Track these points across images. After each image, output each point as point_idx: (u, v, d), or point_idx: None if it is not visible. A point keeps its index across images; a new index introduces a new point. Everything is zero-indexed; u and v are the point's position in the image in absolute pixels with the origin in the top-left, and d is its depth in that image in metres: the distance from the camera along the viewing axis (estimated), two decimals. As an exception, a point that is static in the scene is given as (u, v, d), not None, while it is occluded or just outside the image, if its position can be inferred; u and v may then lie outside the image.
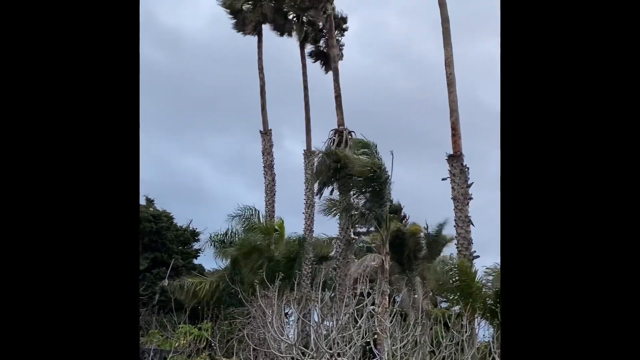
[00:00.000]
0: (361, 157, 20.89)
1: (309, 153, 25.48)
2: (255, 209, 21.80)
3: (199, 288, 20.33)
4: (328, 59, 29.08)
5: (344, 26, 30.17)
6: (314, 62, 30.22)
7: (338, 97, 24.77)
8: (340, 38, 29.92)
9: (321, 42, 30.13)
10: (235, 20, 29.64)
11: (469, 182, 21.18)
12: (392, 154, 19.87)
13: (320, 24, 28.63)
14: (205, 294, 20.17)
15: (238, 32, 29.34)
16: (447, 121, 21.09)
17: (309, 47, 30.32)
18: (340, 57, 29.73)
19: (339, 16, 29.67)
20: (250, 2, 29.40)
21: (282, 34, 29.81)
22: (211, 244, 21.12)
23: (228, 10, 29.37)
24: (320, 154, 22.48)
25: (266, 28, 29.88)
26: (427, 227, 26.15)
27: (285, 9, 29.16)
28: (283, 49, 36.11)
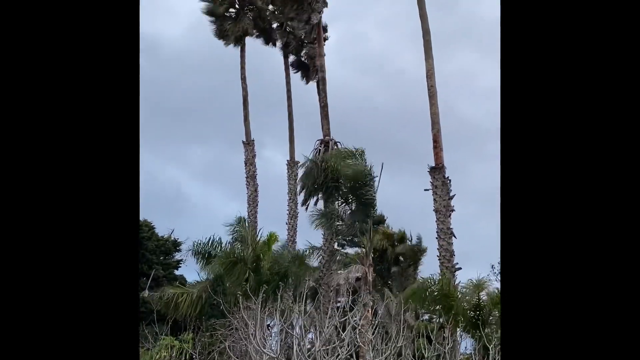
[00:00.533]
0: (349, 164, 20.81)
1: (292, 163, 25.39)
2: (243, 219, 21.64)
3: (180, 300, 20.13)
4: (308, 69, 29.14)
5: (325, 35, 30.10)
6: (295, 72, 30.26)
7: (324, 107, 24.72)
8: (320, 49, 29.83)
9: (302, 52, 30.10)
10: (218, 30, 29.57)
11: (451, 194, 21.32)
12: (382, 166, 19.90)
13: (303, 34, 28.65)
14: (186, 305, 19.98)
15: (219, 39, 29.22)
16: (427, 133, 21.27)
17: (291, 58, 30.36)
18: (321, 67, 29.59)
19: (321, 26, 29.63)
20: (233, 10, 29.37)
21: (267, 43, 29.81)
22: (193, 255, 20.95)
23: (212, 19, 29.29)
24: (308, 162, 22.44)
25: (249, 37, 29.87)
26: (411, 238, 26.23)
27: (269, 18, 29.18)
28: (264, 58, 36.12)
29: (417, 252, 25.42)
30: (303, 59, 30.61)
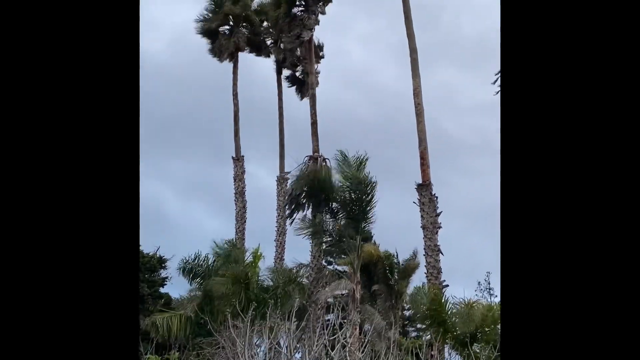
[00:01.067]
0: (347, 174, 20.49)
1: (282, 179, 25.26)
2: (232, 242, 21.46)
3: (169, 323, 19.88)
4: (303, 85, 29.13)
5: (321, 54, 30.28)
6: (290, 87, 30.25)
7: (314, 124, 24.78)
8: (316, 65, 29.90)
9: (298, 68, 30.11)
10: (212, 47, 29.49)
11: (438, 210, 21.36)
12: (376, 183, 19.82)
13: (298, 50, 28.73)
14: (176, 328, 19.74)
15: (214, 56, 29.20)
16: (412, 149, 21.36)
17: (287, 72, 30.23)
18: (317, 84, 29.61)
19: (316, 44, 29.70)
20: (227, 27, 29.35)
21: (259, 54, 29.68)
22: (181, 272, 20.73)
23: (204, 36, 29.22)
24: (296, 176, 22.33)
25: (242, 52, 29.82)
26: (397, 255, 26.12)
27: (264, 34, 29.13)
28: (253, 73, 36.01)
29: (406, 269, 25.31)
30: (298, 75, 30.58)
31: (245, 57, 30.53)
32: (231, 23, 29.26)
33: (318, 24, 26.54)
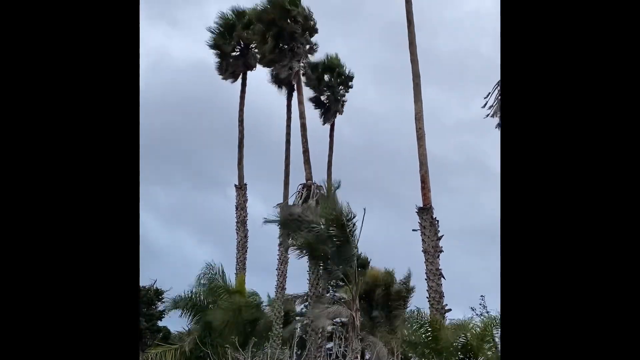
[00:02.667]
0: (324, 207, 20.57)
1: (282, 209, 25.02)
2: (221, 270, 21.22)
3: (166, 357, 19.53)
4: (329, 111, 28.94)
5: (350, 84, 29.96)
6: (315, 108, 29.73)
7: (306, 152, 24.74)
8: (344, 93, 29.72)
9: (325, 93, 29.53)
10: (219, 65, 29.30)
11: (439, 234, 21.17)
12: (365, 211, 19.62)
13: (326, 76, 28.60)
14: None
15: (223, 78, 28.99)
16: (410, 173, 21.28)
17: (309, 92, 29.58)
18: (341, 112, 29.73)
19: (347, 74, 29.60)
20: (237, 50, 29.21)
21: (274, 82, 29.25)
22: (172, 309, 20.54)
23: (217, 52, 29.06)
24: (282, 209, 22.23)
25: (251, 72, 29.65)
26: (394, 280, 25.87)
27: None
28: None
29: (404, 293, 25.06)
30: (323, 99, 29.72)
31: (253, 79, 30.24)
32: (242, 45, 29.16)
33: (312, 54, 26.72)
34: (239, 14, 28.99)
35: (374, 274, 24.65)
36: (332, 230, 19.53)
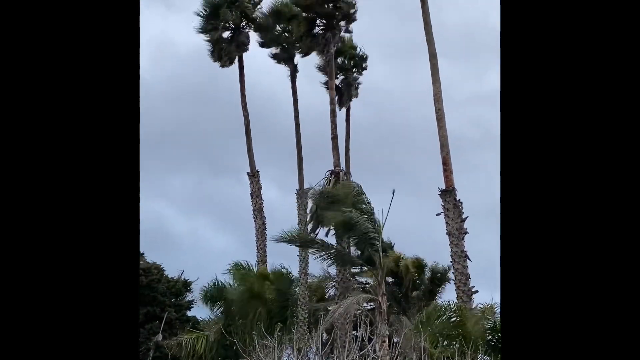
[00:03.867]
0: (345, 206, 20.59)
1: (301, 193, 24.99)
2: (248, 263, 21.37)
3: (197, 344, 19.79)
4: (342, 95, 28.51)
5: (364, 65, 29.56)
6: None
7: (334, 139, 24.73)
8: (358, 76, 29.33)
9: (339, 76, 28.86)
10: (213, 51, 28.27)
11: (463, 216, 21.00)
12: (393, 193, 19.55)
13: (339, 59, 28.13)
14: (203, 349, 19.62)
15: (221, 66, 28.07)
16: (428, 155, 21.13)
17: (321, 77, 29.18)
18: (356, 95, 29.26)
19: (360, 55, 29.12)
20: (229, 32, 28.54)
21: (279, 62, 28.78)
22: (203, 301, 20.76)
23: (207, 38, 28.16)
24: (318, 190, 22.26)
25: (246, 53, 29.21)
26: (423, 263, 25.76)
27: (284, 45, 28.30)
28: (261, 87, 35.37)
29: (434, 277, 24.92)
30: (338, 83, 29.17)
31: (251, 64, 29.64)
32: (232, 26, 28.13)
33: (342, 41, 26.38)
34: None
35: (404, 262, 24.55)
36: (361, 214, 19.61)
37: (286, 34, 27.76)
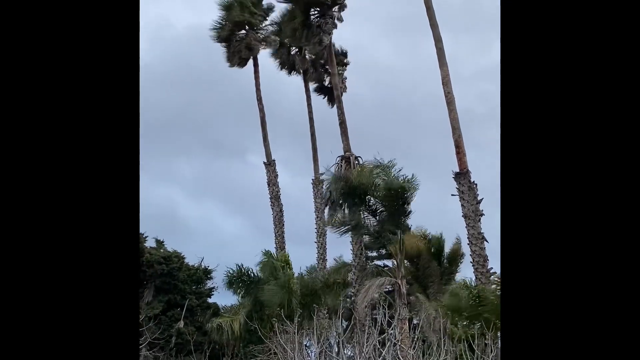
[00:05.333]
0: (381, 176, 20.68)
1: (317, 181, 25.42)
2: (268, 251, 21.58)
3: (232, 327, 20.09)
4: (332, 94, 29.18)
5: (345, 60, 30.70)
6: (318, 95, 30.40)
7: (342, 124, 24.97)
8: (342, 72, 30.28)
9: (325, 77, 30.33)
10: (226, 51, 29.46)
11: (479, 198, 21.03)
12: (413, 176, 19.69)
13: (322, 60, 28.93)
14: (229, 334, 19.93)
15: (231, 66, 29.23)
16: (440, 137, 21.09)
17: (312, 84, 30.28)
18: (344, 89, 30.13)
19: (340, 51, 30.08)
20: (243, 32, 29.24)
21: (282, 68, 29.81)
22: (227, 286, 20.99)
23: (219, 41, 29.12)
24: (331, 175, 22.40)
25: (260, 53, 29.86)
26: (443, 243, 25.80)
27: (288, 44, 29.17)
28: (274, 77, 35.46)
29: (454, 259, 24.96)
30: (326, 84, 30.70)
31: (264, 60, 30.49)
32: (246, 28, 29.21)
33: (336, 27, 26.89)
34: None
35: (419, 241, 24.57)
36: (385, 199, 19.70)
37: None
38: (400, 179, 19.80)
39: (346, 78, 30.75)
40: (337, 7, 26.27)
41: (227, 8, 28.80)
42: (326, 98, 30.00)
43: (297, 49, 28.66)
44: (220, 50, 29.20)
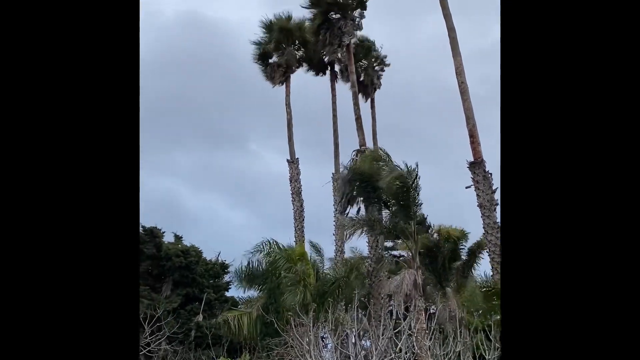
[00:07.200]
0: (382, 166, 20.74)
1: (337, 176, 26.11)
2: (274, 241, 21.73)
3: (241, 322, 20.24)
4: (366, 88, 30.84)
5: (375, 53, 32.24)
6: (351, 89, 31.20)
7: (358, 119, 25.56)
8: (378, 69, 32.22)
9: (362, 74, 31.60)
10: (264, 70, 31.03)
11: (494, 187, 20.91)
12: (417, 165, 19.63)
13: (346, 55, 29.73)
14: (246, 327, 20.08)
15: (268, 81, 30.77)
16: (455, 128, 20.98)
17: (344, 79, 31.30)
18: (379, 85, 32.19)
19: (373, 47, 32.03)
20: (279, 50, 30.40)
21: (316, 73, 31.29)
22: (239, 281, 21.17)
23: (259, 60, 30.72)
24: (344, 171, 22.55)
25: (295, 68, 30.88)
26: (458, 234, 25.72)
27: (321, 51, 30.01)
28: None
29: (471, 249, 24.88)
30: (361, 79, 31.87)
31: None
32: (283, 45, 30.51)
33: (360, 29, 28.36)
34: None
35: (442, 232, 24.51)
36: (390, 189, 19.70)
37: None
38: (403, 168, 19.75)
39: (381, 75, 32.58)
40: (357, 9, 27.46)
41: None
42: (361, 92, 30.83)
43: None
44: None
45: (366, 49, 31.74)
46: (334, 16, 28.11)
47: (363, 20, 28.64)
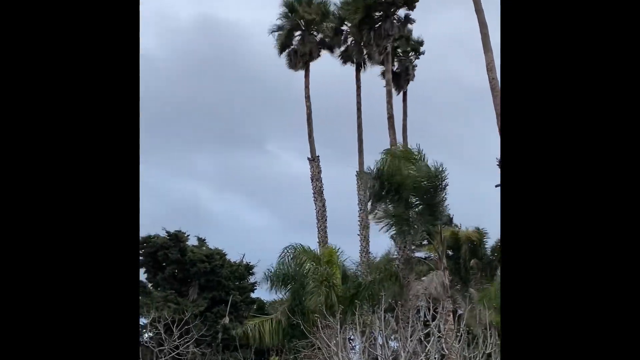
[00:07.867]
0: (409, 166, 20.58)
1: (361, 174, 25.63)
2: (301, 245, 21.69)
3: (262, 330, 20.22)
4: (400, 79, 30.40)
5: (421, 49, 31.94)
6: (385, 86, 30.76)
7: (390, 118, 25.39)
8: (413, 58, 31.65)
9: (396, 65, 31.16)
10: (286, 57, 30.60)
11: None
12: (442, 165, 19.45)
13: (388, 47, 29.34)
14: (269, 333, 20.04)
15: (290, 69, 30.37)
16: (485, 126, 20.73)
17: (377, 68, 30.85)
18: (412, 77, 31.49)
19: (416, 39, 31.57)
20: (299, 33, 29.93)
21: (344, 62, 30.56)
22: (268, 283, 21.18)
23: (280, 48, 30.19)
24: (373, 171, 22.48)
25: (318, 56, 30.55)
26: (484, 235, 25.42)
27: (345, 34, 29.56)
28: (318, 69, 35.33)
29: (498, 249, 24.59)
30: (395, 69, 31.43)
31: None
32: (303, 28, 29.96)
33: (401, 31, 28.20)
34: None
35: (465, 234, 24.30)
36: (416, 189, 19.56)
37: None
38: (432, 168, 19.58)
39: (416, 66, 31.95)
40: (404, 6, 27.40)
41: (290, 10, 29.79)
42: (394, 83, 30.42)
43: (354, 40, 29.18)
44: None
45: (405, 38, 30.94)
46: (376, 14, 27.68)
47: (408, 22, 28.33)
